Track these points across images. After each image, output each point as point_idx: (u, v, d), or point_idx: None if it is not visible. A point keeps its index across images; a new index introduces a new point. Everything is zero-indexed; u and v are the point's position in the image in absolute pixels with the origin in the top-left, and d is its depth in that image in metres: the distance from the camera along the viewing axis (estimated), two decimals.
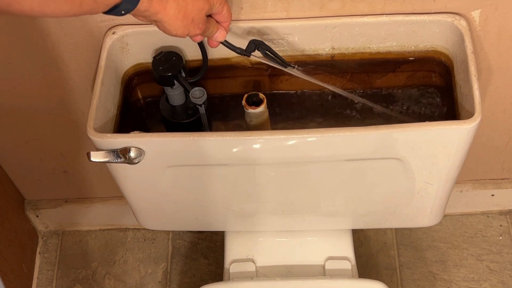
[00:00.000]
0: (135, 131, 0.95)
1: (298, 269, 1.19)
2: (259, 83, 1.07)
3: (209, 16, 0.86)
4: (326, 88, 1.02)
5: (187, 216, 1.15)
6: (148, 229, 1.60)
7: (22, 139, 1.30)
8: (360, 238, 1.56)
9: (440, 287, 1.49)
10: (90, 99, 0.95)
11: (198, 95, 0.97)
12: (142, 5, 0.74)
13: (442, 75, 1.03)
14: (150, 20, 0.79)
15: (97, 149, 0.93)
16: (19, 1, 0.63)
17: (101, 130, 0.94)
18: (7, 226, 1.44)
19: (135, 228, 1.62)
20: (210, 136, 0.92)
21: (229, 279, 1.18)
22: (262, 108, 0.98)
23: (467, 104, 0.93)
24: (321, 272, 1.18)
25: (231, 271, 1.19)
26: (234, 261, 1.20)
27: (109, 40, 1.00)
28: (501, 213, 1.57)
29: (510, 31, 1.01)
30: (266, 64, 0.98)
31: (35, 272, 1.58)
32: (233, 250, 1.22)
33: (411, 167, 0.97)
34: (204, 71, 1.01)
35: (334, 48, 1.02)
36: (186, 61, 1.04)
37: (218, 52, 0.99)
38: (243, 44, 0.95)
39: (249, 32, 0.99)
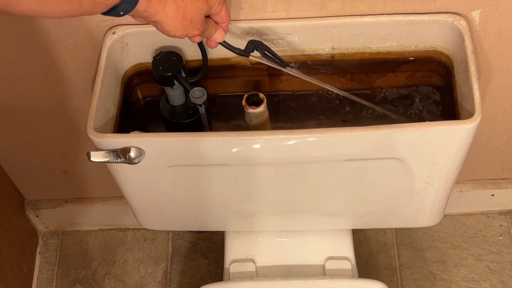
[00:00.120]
0: (135, 131, 0.95)
1: (298, 269, 1.19)
2: (259, 83, 1.08)
3: (208, 17, 0.86)
4: (326, 88, 1.02)
5: (187, 216, 1.15)
6: (148, 229, 1.60)
7: (22, 139, 1.30)
8: (360, 238, 1.56)
9: (440, 287, 1.49)
10: (90, 99, 0.95)
11: (198, 95, 0.97)
12: (140, 6, 0.74)
13: (442, 75, 1.03)
14: (149, 21, 0.79)
15: (97, 149, 0.93)
16: (18, 1, 0.63)
17: (101, 130, 0.94)
18: (7, 226, 1.44)
19: (135, 228, 1.62)
20: (210, 136, 0.92)
21: (229, 279, 1.18)
22: (262, 108, 0.98)
23: (467, 104, 0.93)
24: (321, 272, 1.18)
25: (231, 271, 1.19)
26: (234, 261, 1.20)
27: (109, 40, 1.00)
28: (501, 213, 1.57)
29: (510, 31, 1.01)
30: (265, 64, 0.98)
31: (35, 272, 1.58)
32: (233, 250, 1.22)
33: (411, 167, 0.97)
34: (204, 71, 1.01)
35: (334, 48, 1.02)
36: (186, 61, 1.04)
37: (218, 52, 0.99)
38: (243, 44, 0.95)
39: (249, 32, 0.99)
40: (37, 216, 1.57)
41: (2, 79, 1.13)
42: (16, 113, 1.22)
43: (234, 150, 0.93)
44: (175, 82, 0.99)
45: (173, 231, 1.61)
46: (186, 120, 1.03)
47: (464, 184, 1.47)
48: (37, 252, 1.61)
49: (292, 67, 0.99)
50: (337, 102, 1.06)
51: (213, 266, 1.55)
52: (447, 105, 1.02)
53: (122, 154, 0.92)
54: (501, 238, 1.54)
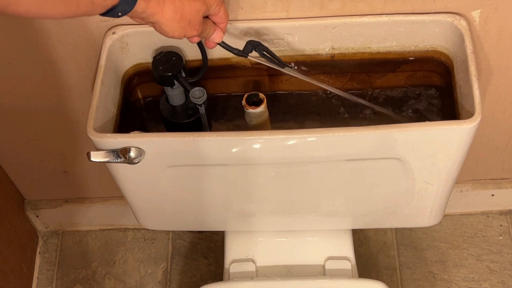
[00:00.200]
0: (135, 131, 0.95)
1: (298, 269, 1.19)
2: (259, 83, 1.08)
3: (206, 17, 0.86)
4: (326, 88, 1.02)
5: (187, 216, 1.15)
6: (148, 229, 1.60)
7: (22, 139, 1.30)
8: (360, 238, 1.56)
9: (440, 287, 1.49)
10: (90, 99, 0.95)
11: (198, 95, 0.97)
12: (139, 7, 0.74)
13: (442, 75, 1.03)
14: (147, 21, 0.79)
15: (97, 149, 0.93)
16: (16, 2, 0.63)
17: (101, 130, 0.94)
18: (7, 226, 1.44)
19: (135, 228, 1.62)
20: (210, 136, 0.92)
21: (229, 279, 1.18)
22: (262, 108, 0.98)
23: (467, 104, 0.93)
24: (321, 272, 1.18)
25: (231, 271, 1.19)
26: (234, 261, 1.20)
27: (109, 40, 1.00)
28: (501, 213, 1.57)
29: (510, 31, 1.01)
30: (264, 64, 0.98)
31: (35, 272, 1.58)
32: (233, 250, 1.22)
33: (411, 167, 0.98)
34: (204, 71, 1.01)
35: (334, 48, 1.02)
36: (186, 61, 1.04)
37: (218, 52, 0.99)
38: (243, 44, 0.95)
39: (249, 32, 0.99)
40: (37, 216, 1.57)
41: (2, 79, 1.13)
42: (16, 113, 1.22)
43: (234, 150, 0.93)
44: (175, 82, 0.99)
45: (173, 231, 1.61)
46: (186, 120, 1.03)
47: (464, 184, 1.47)
48: (37, 252, 1.61)
49: (291, 67, 0.99)
50: (337, 102, 1.06)
51: (213, 266, 1.55)
52: (447, 105, 1.02)
53: (122, 154, 0.92)
54: (501, 238, 1.54)
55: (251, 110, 0.98)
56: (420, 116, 1.04)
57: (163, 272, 1.56)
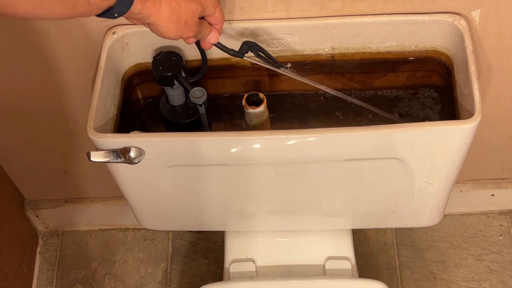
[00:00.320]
0: (135, 131, 0.95)
1: (298, 269, 1.19)
2: (259, 83, 1.08)
3: (202, 18, 0.86)
4: (327, 90, 1.02)
5: (187, 216, 1.15)
6: (148, 229, 1.60)
7: (22, 139, 1.30)
8: (360, 238, 1.56)
9: (440, 287, 1.49)
10: (90, 99, 0.95)
11: (198, 95, 0.97)
12: (135, 8, 0.75)
13: (442, 75, 1.03)
14: (143, 23, 0.79)
15: (97, 149, 0.93)
16: (14, 4, 0.64)
17: (101, 130, 0.94)
18: (7, 226, 1.44)
19: (135, 228, 1.62)
20: (210, 136, 0.92)
21: (229, 279, 1.18)
22: (262, 108, 0.98)
23: (467, 104, 0.93)
24: (321, 272, 1.18)
25: (231, 271, 1.19)
26: (234, 261, 1.20)
27: (109, 40, 1.00)
28: (501, 213, 1.57)
29: (510, 31, 1.01)
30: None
31: (35, 272, 1.58)
32: (233, 250, 1.22)
33: (411, 167, 0.98)
34: (203, 71, 1.01)
35: (334, 48, 1.02)
36: (186, 61, 1.04)
37: (218, 52, 0.99)
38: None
39: (248, 32, 0.99)
40: (37, 216, 1.57)
41: (2, 79, 1.13)
42: (16, 113, 1.22)
43: (234, 150, 0.93)
44: (175, 82, 0.99)
45: (173, 231, 1.61)
46: (186, 120, 1.03)
47: (464, 184, 1.47)
48: (37, 252, 1.61)
49: (287, 68, 0.99)
50: (337, 102, 1.06)
51: (213, 266, 1.55)
52: (447, 105, 1.02)
53: (122, 154, 0.92)
54: (501, 238, 1.54)
55: (251, 110, 0.98)
56: (419, 116, 1.04)
57: (163, 272, 1.56)
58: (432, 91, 1.06)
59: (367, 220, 1.15)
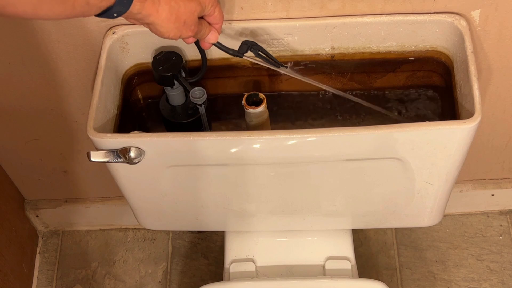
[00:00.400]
0: (135, 131, 0.95)
1: (298, 269, 1.19)
2: (259, 83, 1.08)
3: (201, 18, 0.86)
4: (327, 88, 1.02)
5: (187, 216, 1.15)
6: (148, 229, 1.60)
7: (22, 139, 1.30)
8: (360, 238, 1.56)
9: (440, 287, 1.49)
10: (90, 99, 0.95)
11: (198, 95, 0.97)
12: (134, 8, 0.75)
13: (442, 75, 1.03)
14: (142, 22, 0.79)
15: (97, 149, 0.93)
16: (13, 4, 0.64)
17: (101, 130, 0.94)
18: (7, 226, 1.44)
19: (135, 228, 1.62)
20: (210, 136, 0.92)
21: (229, 279, 1.18)
22: (262, 108, 0.98)
23: (467, 104, 0.93)
24: (321, 272, 1.18)
25: (231, 271, 1.19)
26: (234, 261, 1.20)
27: (109, 40, 1.00)
28: (501, 213, 1.57)
29: (510, 31, 1.01)
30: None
31: (35, 272, 1.58)
32: (233, 250, 1.22)
33: (411, 167, 0.98)
34: (203, 71, 1.01)
35: (334, 48, 1.02)
36: (186, 61, 1.04)
37: (218, 52, 0.99)
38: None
39: (248, 32, 0.99)
40: (37, 216, 1.57)
41: (2, 79, 1.13)
42: (16, 113, 1.22)
43: (234, 150, 0.93)
44: (175, 82, 0.99)
45: (173, 231, 1.61)
46: (186, 120, 1.03)
47: (464, 184, 1.47)
48: (37, 252, 1.61)
49: (286, 67, 0.99)
50: (338, 102, 1.06)
51: (213, 266, 1.55)
52: (447, 105, 1.02)
53: (122, 154, 0.92)
54: (501, 238, 1.54)
55: (251, 110, 0.98)
56: (420, 116, 1.04)
57: (163, 272, 1.56)
58: (432, 91, 1.06)
59: (367, 220, 1.15)
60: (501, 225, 1.56)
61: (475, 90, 0.91)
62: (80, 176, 1.43)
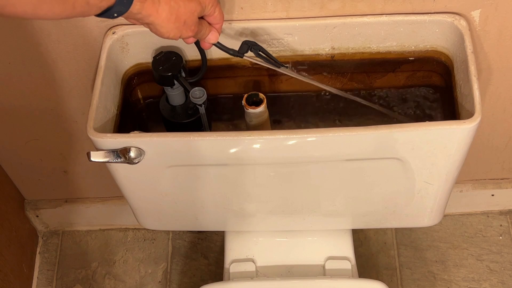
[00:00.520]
0: (135, 131, 0.95)
1: (298, 269, 1.19)
2: (259, 83, 1.08)
3: (201, 18, 0.86)
4: (325, 88, 1.02)
5: (187, 216, 1.15)
6: (148, 229, 1.60)
7: (22, 139, 1.30)
8: (360, 238, 1.56)
9: (440, 287, 1.49)
10: (90, 99, 0.95)
11: (198, 95, 0.97)
12: (134, 8, 0.75)
13: (442, 75, 1.03)
14: (142, 22, 0.79)
15: (97, 149, 0.93)
16: (13, 4, 0.64)
17: (101, 130, 0.94)
18: (7, 226, 1.44)
19: (135, 228, 1.62)
20: (210, 136, 0.92)
21: (229, 279, 1.18)
22: (262, 108, 0.98)
23: (467, 104, 0.93)
24: (321, 272, 1.18)
25: (231, 271, 1.19)
26: (234, 261, 1.20)
27: (109, 40, 1.00)
28: (501, 213, 1.57)
29: (510, 31, 1.01)
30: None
31: (35, 272, 1.58)
32: (233, 250, 1.22)
33: (411, 167, 0.98)
34: (203, 71, 1.01)
35: (334, 48, 1.02)
36: (186, 61, 1.04)
37: (218, 52, 0.99)
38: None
39: (248, 32, 0.99)
40: (37, 216, 1.57)
41: (2, 79, 1.13)
42: (16, 113, 1.22)
43: (234, 150, 0.93)
44: (175, 82, 0.99)
45: (173, 231, 1.61)
46: (186, 120, 1.03)
47: (464, 184, 1.47)
48: (37, 252, 1.61)
49: (287, 67, 0.99)
50: (338, 102, 1.06)
51: (213, 266, 1.55)
52: (447, 105, 1.02)
53: (122, 154, 0.92)
54: (501, 238, 1.54)
55: (251, 110, 0.98)
56: (420, 116, 1.04)
57: (163, 272, 1.56)
58: (432, 91, 1.06)
59: (367, 220, 1.15)
60: (501, 225, 1.56)
61: (475, 90, 0.91)
62: (80, 176, 1.43)
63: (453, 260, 1.52)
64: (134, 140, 0.92)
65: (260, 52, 0.95)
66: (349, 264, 1.18)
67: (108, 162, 0.92)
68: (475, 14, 0.98)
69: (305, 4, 0.97)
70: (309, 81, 1.00)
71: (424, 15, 0.97)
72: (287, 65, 1.00)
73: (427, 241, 1.55)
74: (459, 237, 1.55)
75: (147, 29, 0.81)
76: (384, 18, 0.98)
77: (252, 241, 1.22)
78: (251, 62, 0.97)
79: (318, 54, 1.03)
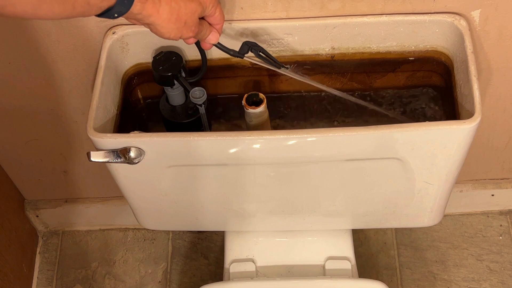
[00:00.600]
0: (135, 131, 0.95)
1: (298, 269, 1.19)
2: (259, 83, 1.08)
3: (202, 18, 0.86)
4: (327, 89, 1.02)
5: (187, 216, 1.15)
6: (148, 229, 1.60)
7: (22, 139, 1.30)
8: (360, 238, 1.56)
9: (440, 287, 1.49)
10: (90, 99, 0.95)
11: (198, 95, 0.97)
12: (135, 8, 0.74)
13: (442, 75, 1.04)
14: (143, 23, 0.79)
15: (97, 149, 0.93)
16: (13, 4, 0.64)
17: (101, 130, 0.94)
18: (7, 226, 1.44)
19: (135, 228, 1.62)
20: (210, 136, 0.92)
21: (229, 279, 1.18)
22: (262, 108, 0.98)
23: (467, 104, 0.93)
24: (321, 272, 1.18)
25: (231, 271, 1.19)
26: (234, 261, 1.20)
27: (109, 40, 1.00)
28: (501, 213, 1.57)
29: (510, 31, 1.01)
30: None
31: (35, 272, 1.58)
32: (233, 250, 1.22)
33: (411, 167, 0.98)
34: (203, 71, 1.01)
35: (334, 48, 1.02)
36: (186, 61, 1.04)
37: (218, 52, 0.99)
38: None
39: (248, 32, 0.99)
40: (37, 216, 1.57)
41: (2, 79, 1.13)
42: (16, 113, 1.22)
43: (234, 150, 0.93)
44: (175, 82, 0.99)
45: (173, 231, 1.61)
46: (186, 120, 1.03)
47: (464, 184, 1.47)
48: (37, 252, 1.61)
49: (287, 68, 0.99)
50: (338, 102, 1.06)
51: (213, 266, 1.55)
52: (447, 105, 1.02)
53: (122, 154, 0.92)
54: (501, 238, 1.54)
55: (251, 110, 0.98)
56: (420, 116, 1.04)
57: (163, 272, 1.56)
58: (432, 91, 1.06)
59: (367, 220, 1.15)
60: (501, 225, 1.56)
61: (475, 90, 0.91)
62: (80, 176, 1.43)
63: (453, 260, 1.52)
64: (134, 140, 0.92)
65: (260, 53, 0.95)
66: (349, 264, 1.18)
67: (108, 162, 0.92)
68: (475, 14, 0.98)
69: (305, 4, 0.97)
70: (308, 81, 1.00)
71: (424, 15, 0.97)
72: (288, 65, 1.00)
73: (427, 241, 1.55)
74: (459, 237, 1.55)
75: (147, 29, 0.81)
76: (384, 18, 0.98)
77: (252, 241, 1.22)
78: (251, 62, 0.97)
79: (318, 54, 1.03)
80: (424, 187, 1.03)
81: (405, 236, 1.56)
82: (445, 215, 1.29)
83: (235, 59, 1.01)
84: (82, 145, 1.31)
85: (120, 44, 1.01)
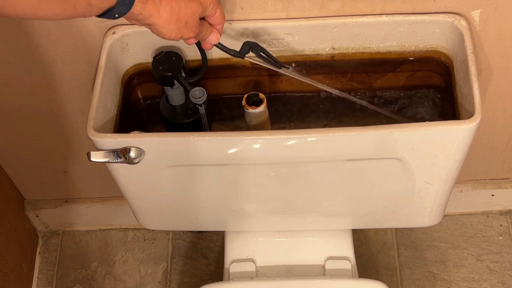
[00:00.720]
0: (135, 131, 0.95)
1: (298, 269, 1.19)
2: (259, 83, 1.08)
3: (203, 19, 0.86)
4: (325, 88, 1.02)
5: (187, 216, 1.15)
6: (148, 229, 1.60)
7: (22, 139, 1.30)
8: (360, 238, 1.56)
9: (440, 287, 1.49)
10: (90, 99, 0.95)
11: (198, 95, 0.97)
12: (135, 9, 0.74)
13: (442, 75, 1.04)
14: (144, 23, 0.79)
15: (97, 149, 0.93)
16: (13, 4, 0.64)
17: (101, 130, 0.94)
18: (7, 226, 1.44)
19: (135, 228, 1.62)
20: (210, 136, 0.92)
21: (229, 279, 1.18)
22: (262, 108, 0.98)
23: (467, 104, 0.93)
24: (321, 272, 1.18)
25: (231, 271, 1.19)
26: (234, 261, 1.20)
27: (109, 40, 1.00)
28: (501, 213, 1.57)
29: (510, 31, 1.01)
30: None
31: (35, 272, 1.58)
32: (233, 250, 1.22)
33: (411, 167, 0.98)
34: (203, 71, 1.01)
35: (334, 48, 1.02)
36: (186, 61, 1.04)
37: (218, 52, 0.99)
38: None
39: (248, 32, 0.99)
40: (37, 216, 1.57)
41: (2, 79, 1.13)
42: (16, 113, 1.22)
43: (234, 150, 0.93)
44: (175, 82, 0.99)
45: (173, 231, 1.61)
46: (186, 120, 1.03)
47: (464, 184, 1.47)
48: (37, 252, 1.61)
49: (288, 68, 0.99)
50: (338, 102, 1.06)
51: (213, 266, 1.55)
52: (447, 105, 1.02)
53: (122, 154, 0.92)
54: (501, 238, 1.54)
55: (251, 110, 0.98)
56: (420, 116, 1.04)
57: (163, 272, 1.56)
58: (432, 91, 1.06)
59: (367, 220, 1.15)
60: (501, 225, 1.56)
61: (475, 90, 0.91)
62: (80, 176, 1.43)
63: (453, 260, 1.52)
64: (134, 140, 0.92)
65: (261, 53, 0.95)
66: (349, 264, 1.18)
67: (108, 162, 0.92)
68: (475, 14, 0.98)
69: (305, 4, 0.97)
70: (308, 81, 1.00)
71: (424, 15, 0.97)
72: (288, 65, 1.00)
73: (427, 241, 1.55)
74: (459, 237, 1.55)
75: (147, 29, 0.81)
76: (384, 18, 0.98)
77: (252, 241, 1.22)
78: (251, 62, 0.97)
79: (318, 54, 1.03)
80: (424, 187, 1.03)
81: (405, 236, 1.56)
82: (445, 215, 1.29)
83: (235, 59, 1.01)
84: (82, 145, 1.31)
85: (120, 44, 1.01)
